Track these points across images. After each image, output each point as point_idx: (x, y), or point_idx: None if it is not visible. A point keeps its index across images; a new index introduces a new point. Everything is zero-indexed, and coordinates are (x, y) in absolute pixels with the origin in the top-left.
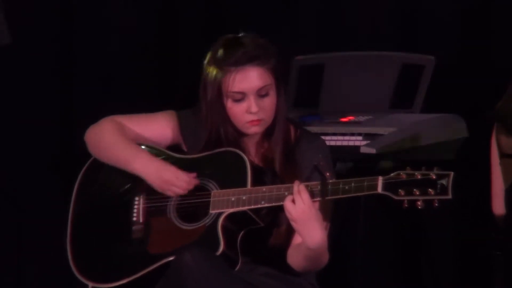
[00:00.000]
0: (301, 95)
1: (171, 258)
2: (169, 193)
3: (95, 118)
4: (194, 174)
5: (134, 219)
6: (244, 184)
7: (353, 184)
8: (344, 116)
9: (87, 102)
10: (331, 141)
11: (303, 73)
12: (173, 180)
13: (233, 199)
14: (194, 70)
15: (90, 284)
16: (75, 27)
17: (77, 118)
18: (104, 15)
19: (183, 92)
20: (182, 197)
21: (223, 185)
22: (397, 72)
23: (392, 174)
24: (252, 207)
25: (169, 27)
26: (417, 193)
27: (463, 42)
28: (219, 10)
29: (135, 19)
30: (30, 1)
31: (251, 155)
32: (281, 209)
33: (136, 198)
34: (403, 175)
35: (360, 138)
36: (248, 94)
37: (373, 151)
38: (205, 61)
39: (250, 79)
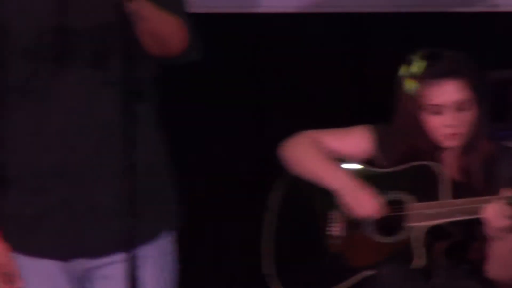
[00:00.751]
0: (498, 110)
1: (369, 272)
2: (355, 213)
3: (289, 133)
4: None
5: (332, 232)
6: (441, 198)
7: None
8: None
9: (279, 120)
10: None
11: (500, 88)
12: (366, 205)
13: (430, 212)
14: (383, 84)
15: None
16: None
17: (271, 134)
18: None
19: (374, 106)
20: None
21: (419, 199)
22: None
23: None
24: (450, 219)
25: (361, 43)
26: None
27: None
28: (409, 26)
29: (327, 33)
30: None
31: (448, 168)
32: (478, 222)
33: (334, 212)
34: None
35: None
36: (445, 108)
37: None
38: (401, 74)
39: (447, 93)
